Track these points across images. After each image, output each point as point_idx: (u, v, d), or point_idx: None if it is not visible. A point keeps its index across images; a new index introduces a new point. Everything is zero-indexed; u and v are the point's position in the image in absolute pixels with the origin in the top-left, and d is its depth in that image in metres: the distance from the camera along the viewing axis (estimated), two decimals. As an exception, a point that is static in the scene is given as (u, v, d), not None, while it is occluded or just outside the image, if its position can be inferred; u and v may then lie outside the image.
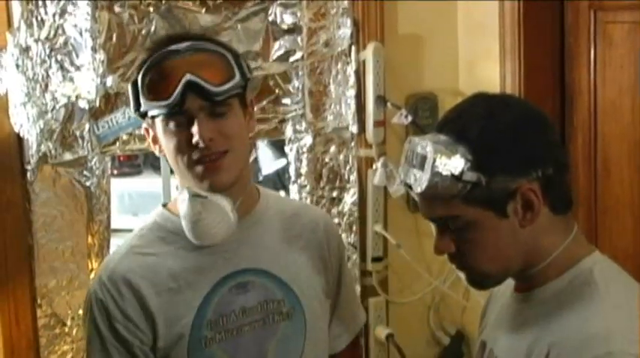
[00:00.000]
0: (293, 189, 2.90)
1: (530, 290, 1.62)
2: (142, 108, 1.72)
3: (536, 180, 1.52)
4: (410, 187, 1.59)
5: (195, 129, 1.69)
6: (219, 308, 1.79)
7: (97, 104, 2.58)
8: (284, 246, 1.91)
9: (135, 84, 1.74)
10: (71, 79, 2.55)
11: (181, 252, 1.80)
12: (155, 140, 1.78)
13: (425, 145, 1.54)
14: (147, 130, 1.79)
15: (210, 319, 1.78)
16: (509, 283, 1.69)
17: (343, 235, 2.83)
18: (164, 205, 1.90)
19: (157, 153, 1.83)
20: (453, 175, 1.51)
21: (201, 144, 1.70)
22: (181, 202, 1.74)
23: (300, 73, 2.81)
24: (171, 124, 1.71)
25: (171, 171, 2.63)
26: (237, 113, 1.75)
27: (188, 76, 1.67)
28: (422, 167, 1.55)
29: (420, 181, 1.55)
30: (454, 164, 1.51)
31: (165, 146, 1.74)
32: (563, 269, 1.57)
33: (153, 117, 1.74)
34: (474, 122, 1.56)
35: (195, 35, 1.83)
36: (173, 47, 1.72)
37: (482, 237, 1.57)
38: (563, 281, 1.57)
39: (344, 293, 2.03)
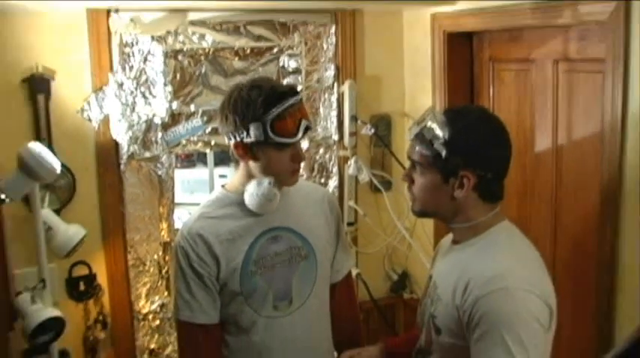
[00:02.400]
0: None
1: (460, 243, 1.62)
2: (272, 140, 1.68)
3: (476, 175, 1.53)
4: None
5: (300, 151, 1.78)
6: (259, 252, 1.81)
7: (166, 120, 2.62)
8: (302, 212, 1.90)
9: (258, 120, 1.68)
10: (150, 104, 2.59)
11: (235, 215, 1.81)
12: (246, 153, 1.74)
13: (428, 115, 1.56)
14: (240, 146, 1.74)
15: (254, 259, 1.80)
16: (449, 239, 1.73)
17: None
18: (222, 186, 1.90)
19: (240, 159, 1.79)
20: (428, 139, 1.53)
21: (303, 161, 1.82)
22: (259, 185, 1.74)
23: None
24: (284, 148, 1.72)
25: (214, 164, 2.63)
26: None
27: (305, 122, 1.73)
28: (419, 124, 1.56)
29: (412, 131, 1.57)
30: (432, 133, 1.52)
31: (275, 159, 1.73)
32: (481, 231, 1.58)
33: (257, 143, 1.70)
34: (465, 119, 1.56)
35: (294, 88, 1.78)
36: (292, 101, 1.70)
37: (426, 184, 1.58)
38: (480, 238, 1.58)
39: (341, 243, 2.03)
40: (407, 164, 1.71)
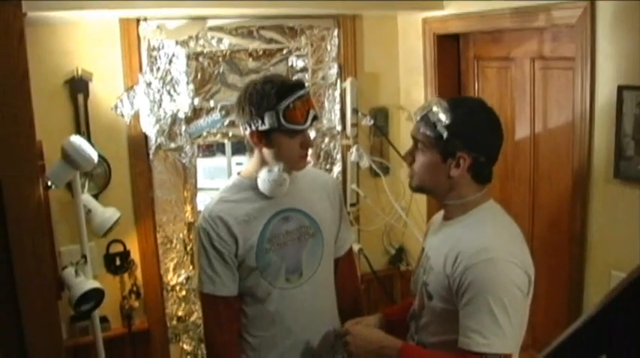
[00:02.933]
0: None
1: (451, 219, 1.61)
2: (284, 127, 1.67)
3: (471, 157, 1.52)
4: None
5: (309, 138, 1.77)
6: (272, 231, 1.78)
7: (189, 114, 2.63)
8: (309, 195, 1.87)
9: (271, 109, 1.67)
10: (174, 101, 2.60)
11: (250, 199, 1.79)
12: (260, 140, 1.72)
13: (434, 101, 1.54)
14: (255, 134, 1.72)
15: (268, 237, 1.77)
16: (440, 215, 1.71)
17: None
18: (238, 173, 1.87)
19: (255, 146, 1.76)
20: (432, 122, 1.52)
21: (311, 147, 1.80)
22: (270, 172, 1.73)
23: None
24: (294, 135, 1.71)
25: (232, 154, 2.54)
26: None
27: (313, 112, 1.72)
28: (425, 109, 1.54)
29: (419, 114, 1.55)
30: (437, 117, 1.51)
31: (286, 145, 1.72)
32: (469, 208, 1.57)
33: (271, 131, 1.68)
34: (465, 107, 1.54)
35: (302, 83, 1.76)
36: (301, 92, 1.69)
37: (427, 162, 1.56)
38: (469, 215, 1.57)
39: (343, 222, 1.99)
40: (403, 150, 1.72)
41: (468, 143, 1.51)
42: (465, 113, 1.53)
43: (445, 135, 1.50)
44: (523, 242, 1.55)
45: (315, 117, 1.74)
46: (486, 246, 1.46)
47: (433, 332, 1.59)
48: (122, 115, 2.55)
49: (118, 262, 2.62)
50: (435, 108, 1.52)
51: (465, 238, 1.51)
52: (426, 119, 1.54)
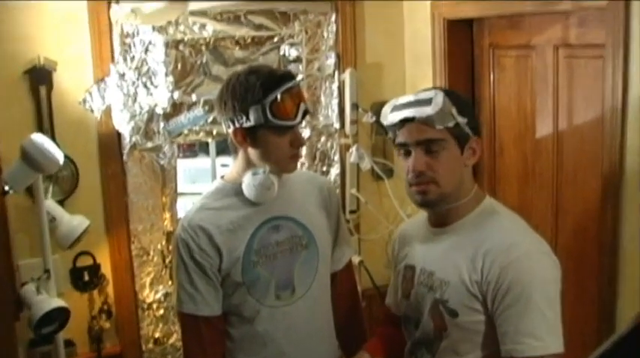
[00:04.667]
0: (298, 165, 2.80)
1: (449, 225, 1.60)
2: (271, 123, 1.68)
3: (480, 141, 1.59)
4: (406, 120, 1.55)
5: (299, 135, 1.78)
6: (261, 242, 1.79)
7: (168, 110, 2.63)
8: (302, 201, 1.89)
9: (257, 103, 1.68)
10: (151, 94, 2.59)
11: (234, 206, 1.80)
12: (245, 139, 1.73)
13: (433, 93, 1.54)
14: (240, 132, 1.73)
15: (256, 248, 1.79)
16: (418, 224, 1.72)
17: (330, 195, 2.82)
18: (222, 177, 1.90)
19: (239, 146, 1.77)
20: (450, 112, 1.53)
21: (303, 145, 1.83)
22: (255, 175, 1.75)
23: (301, 89, 2.79)
24: (283, 132, 1.72)
25: (216, 154, 2.61)
26: None
27: (303, 105, 1.74)
28: (429, 104, 1.53)
29: (425, 112, 1.52)
30: (447, 105, 1.52)
31: (274, 144, 1.73)
32: (472, 207, 1.59)
33: (257, 128, 1.70)
34: (450, 92, 1.57)
35: (291, 73, 1.79)
36: (290, 84, 1.71)
37: (449, 159, 1.56)
38: (475, 213, 1.59)
39: (341, 231, 2.02)
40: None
41: (476, 127, 1.58)
42: (457, 97, 1.57)
43: (460, 119, 1.54)
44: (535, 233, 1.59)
45: (306, 112, 1.76)
46: (515, 241, 1.50)
47: (464, 352, 1.58)
48: (91, 110, 2.54)
49: (86, 277, 2.61)
50: (438, 98, 1.52)
51: (488, 237, 1.53)
52: (443, 112, 1.52)
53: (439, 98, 1.53)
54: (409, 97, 1.59)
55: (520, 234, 1.54)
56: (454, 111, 1.54)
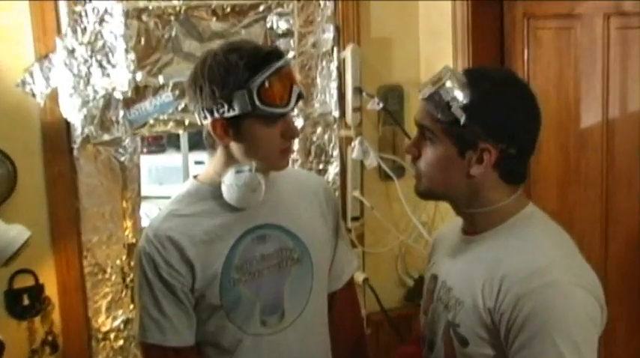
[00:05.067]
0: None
1: (479, 233, 1.61)
2: (260, 111, 1.67)
3: (498, 150, 1.53)
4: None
5: (292, 124, 1.77)
6: (243, 255, 1.79)
7: (129, 95, 2.60)
8: (293, 205, 1.90)
9: (242, 88, 1.67)
10: (108, 75, 2.57)
11: (211, 212, 1.80)
12: (227, 132, 1.73)
13: (446, 73, 1.55)
14: (220, 124, 1.72)
15: (237, 264, 1.78)
16: (454, 228, 1.72)
17: (328, 199, 2.85)
18: (195, 176, 1.89)
19: (219, 141, 1.76)
20: (445, 101, 1.52)
21: (296, 137, 1.81)
22: (239, 173, 1.75)
23: (292, 69, 2.81)
24: (273, 122, 1.72)
25: (188, 148, 2.63)
26: None
27: (296, 89, 1.74)
28: (435, 84, 1.54)
29: (426, 91, 1.55)
30: (451, 95, 1.52)
31: (264, 136, 1.73)
32: (505, 217, 1.57)
33: (242, 117, 1.69)
34: (489, 82, 1.56)
35: (279, 50, 1.79)
36: (280, 63, 1.70)
37: (437, 157, 1.57)
38: (507, 225, 1.57)
39: (340, 243, 2.03)
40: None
41: (493, 130, 1.53)
42: (488, 89, 1.55)
43: (463, 119, 1.51)
44: (582, 258, 1.56)
45: (300, 96, 1.76)
46: (543, 266, 1.47)
47: None
48: (32, 94, 2.53)
49: (25, 301, 2.58)
50: (448, 83, 1.53)
51: (509, 257, 1.52)
52: (437, 98, 1.54)
53: (443, 82, 1.54)
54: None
55: (550, 259, 1.49)
56: (457, 104, 1.52)
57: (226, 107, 1.69)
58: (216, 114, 1.70)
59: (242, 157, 1.76)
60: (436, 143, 1.57)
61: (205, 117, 1.73)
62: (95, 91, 2.57)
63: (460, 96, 1.52)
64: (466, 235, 1.66)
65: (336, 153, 2.96)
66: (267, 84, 1.68)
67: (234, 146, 1.75)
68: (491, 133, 1.52)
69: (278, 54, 1.74)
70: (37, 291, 2.58)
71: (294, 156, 2.84)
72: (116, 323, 2.71)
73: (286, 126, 1.75)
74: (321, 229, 1.94)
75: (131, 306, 2.71)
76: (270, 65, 1.69)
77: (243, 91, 1.66)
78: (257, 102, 1.67)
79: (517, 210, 1.59)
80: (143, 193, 2.77)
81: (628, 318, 2.26)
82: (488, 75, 1.61)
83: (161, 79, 2.67)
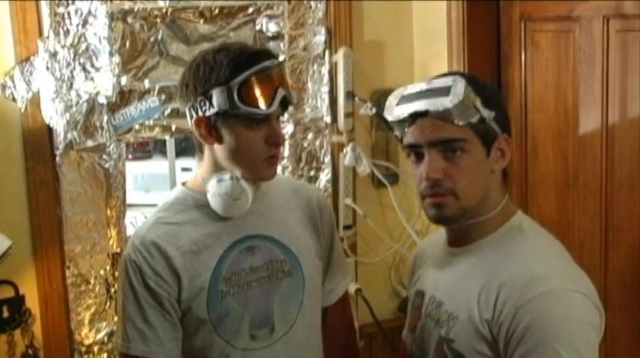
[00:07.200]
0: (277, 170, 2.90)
1: (468, 244, 1.61)
2: (238, 110, 1.68)
3: (510, 140, 1.58)
4: (417, 115, 1.54)
5: (277, 130, 1.76)
6: (231, 267, 1.80)
7: (114, 99, 2.61)
8: (284, 216, 1.90)
9: (221, 85, 1.69)
10: (92, 79, 2.57)
11: (199, 221, 1.81)
12: (210, 132, 1.75)
13: (452, 80, 1.54)
14: (203, 123, 1.73)
15: (225, 276, 1.79)
16: (435, 242, 1.73)
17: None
18: (183, 183, 1.90)
19: (203, 141, 1.78)
20: (473, 104, 1.53)
21: (282, 144, 1.79)
22: (220, 181, 1.76)
23: (282, 73, 2.82)
24: (255, 125, 1.72)
25: (175, 155, 2.62)
26: None
27: (281, 92, 1.73)
28: (446, 94, 1.53)
29: (442, 104, 1.52)
30: (473, 94, 1.53)
31: (244, 139, 1.73)
32: (498, 224, 1.59)
33: (221, 116, 1.71)
34: (473, 78, 1.58)
35: (271, 52, 1.80)
36: (266, 63, 1.71)
37: (472, 164, 1.55)
38: (499, 233, 1.58)
39: (335, 255, 2.04)
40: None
41: (503, 120, 1.58)
42: (482, 84, 1.59)
43: (488, 114, 1.54)
44: (575, 264, 1.58)
45: (285, 100, 1.76)
46: (540, 273, 1.47)
47: None
48: (13, 99, 2.53)
49: (5, 313, 2.57)
50: (458, 86, 1.53)
51: (505, 266, 1.53)
52: (463, 104, 1.52)
53: (459, 86, 1.52)
54: (421, 85, 1.58)
55: (547, 266, 1.50)
56: (479, 102, 1.53)
57: (207, 104, 1.71)
58: (199, 112, 1.73)
59: (226, 162, 1.77)
60: (469, 150, 1.55)
61: (191, 116, 1.76)
62: (78, 96, 2.57)
63: (477, 95, 1.53)
64: (453, 247, 1.66)
65: (327, 159, 2.97)
66: (248, 82, 1.69)
67: (219, 149, 1.76)
68: (501, 124, 1.57)
69: (266, 54, 1.75)
70: (17, 303, 2.57)
71: (284, 162, 2.87)
72: (100, 335, 2.70)
73: (270, 132, 1.75)
74: (313, 241, 1.94)
75: (115, 318, 2.65)
76: (255, 64, 1.70)
77: (222, 88, 1.69)
78: (237, 101, 1.68)
79: (507, 218, 1.60)
80: (128, 201, 2.77)
81: (629, 327, 2.25)
82: (464, 74, 1.62)
83: (147, 83, 2.68)
